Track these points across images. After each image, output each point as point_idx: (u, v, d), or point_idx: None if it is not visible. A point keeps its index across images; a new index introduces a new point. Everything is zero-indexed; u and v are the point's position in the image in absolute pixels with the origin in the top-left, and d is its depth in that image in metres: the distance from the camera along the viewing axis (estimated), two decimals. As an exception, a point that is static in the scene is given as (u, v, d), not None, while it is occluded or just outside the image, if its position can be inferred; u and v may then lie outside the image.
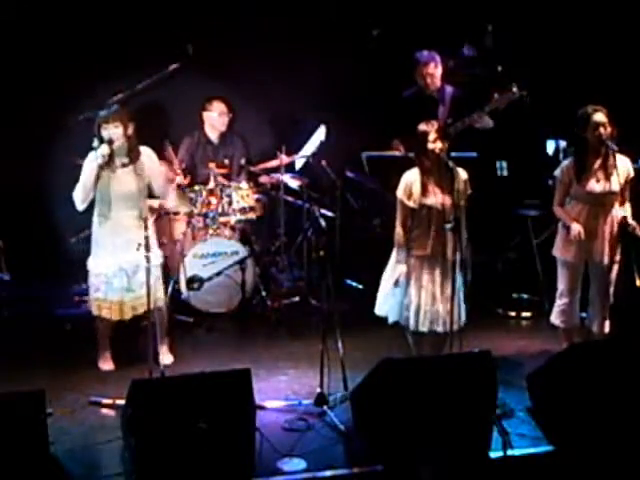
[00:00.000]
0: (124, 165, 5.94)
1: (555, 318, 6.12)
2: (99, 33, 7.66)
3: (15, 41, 7.58)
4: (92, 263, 6.05)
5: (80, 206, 5.94)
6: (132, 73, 7.29)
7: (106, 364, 6.21)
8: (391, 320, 5.79)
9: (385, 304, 5.79)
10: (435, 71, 7.42)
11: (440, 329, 5.66)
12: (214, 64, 7.86)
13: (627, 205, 5.86)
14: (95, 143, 5.88)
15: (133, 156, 5.94)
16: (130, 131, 5.91)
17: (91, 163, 5.87)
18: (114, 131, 5.85)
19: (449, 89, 7.44)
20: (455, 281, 5.53)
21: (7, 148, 7.57)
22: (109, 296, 5.99)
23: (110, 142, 5.83)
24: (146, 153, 6.03)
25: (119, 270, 5.96)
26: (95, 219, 6.03)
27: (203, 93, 7.76)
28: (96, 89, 7.23)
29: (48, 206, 7.77)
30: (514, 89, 6.81)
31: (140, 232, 5.71)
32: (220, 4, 7.87)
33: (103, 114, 5.92)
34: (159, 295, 6.06)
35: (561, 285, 6.04)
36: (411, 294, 5.67)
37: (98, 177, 5.87)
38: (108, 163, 5.88)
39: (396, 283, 5.69)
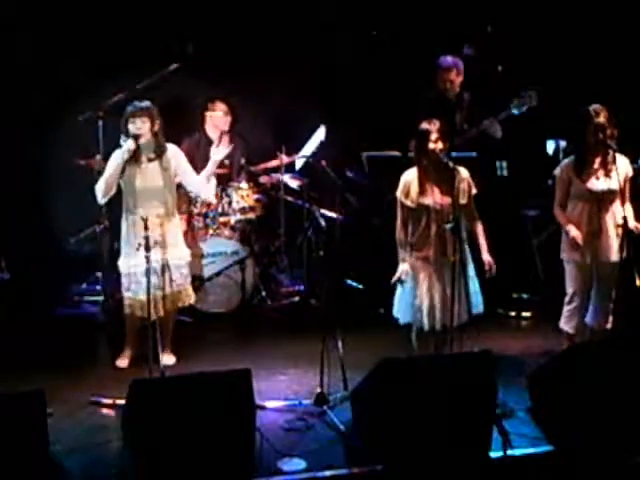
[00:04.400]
0: (150, 160, 5.95)
1: (565, 324, 6.01)
2: (99, 33, 7.67)
3: (15, 41, 7.58)
4: (122, 263, 6.02)
5: (101, 199, 5.93)
6: (132, 73, 7.29)
7: (123, 362, 6.19)
8: (402, 321, 5.76)
9: (398, 306, 5.78)
10: (456, 78, 7.42)
11: (454, 324, 5.59)
12: (214, 64, 7.86)
13: (627, 205, 5.85)
14: (122, 139, 5.90)
15: (160, 151, 5.95)
16: (157, 127, 5.92)
17: (117, 159, 5.87)
18: (141, 126, 5.85)
19: (467, 95, 7.45)
20: (456, 280, 5.51)
21: (7, 148, 7.57)
22: (139, 295, 5.94)
23: (136, 137, 5.83)
24: (172, 149, 6.04)
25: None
26: (123, 216, 6.02)
27: (203, 93, 7.77)
28: (96, 89, 7.23)
29: (48, 206, 7.78)
30: (533, 96, 6.87)
31: (168, 229, 5.76)
32: (220, 4, 7.87)
33: (131, 108, 5.92)
34: (190, 293, 6.11)
35: (571, 288, 5.95)
36: (421, 295, 5.64)
37: (123, 172, 5.86)
38: (135, 157, 5.89)
39: (400, 282, 5.69)
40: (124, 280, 6.01)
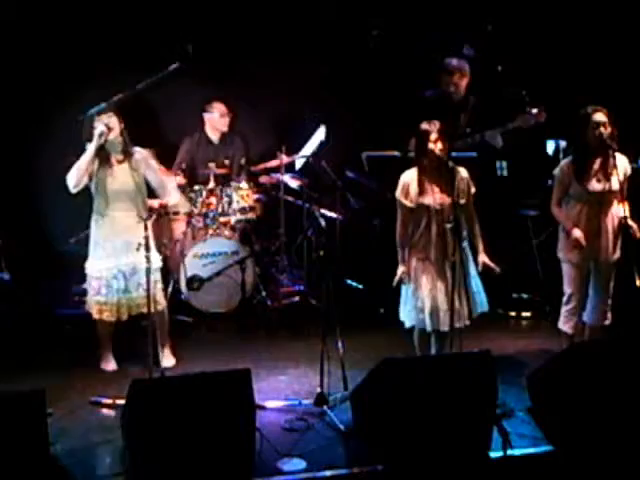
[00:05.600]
0: (119, 162, 5.95)
1: (563, 324, 6.00)
2: (99, 33, 7.66)
3: (14, 40, 7.57)
4: (90, 265, 6.03)
5: (72, 188, 5.89)
6: (132, 73, 7.29)
7: (109, 365, 6.21)
8: (408, 325, 5.73)
9: (403, 310, 5.77)
10: (460, 81, 7.40)
11: (458, 325, 5.58)
12: (214, 64, 7.86)
13: (625, 204, 5.84)
14: (87, 146, 5.90)
15: (127, 152, 5.96)
16: (122, 126, 5.93)
17: (89, 148, 5.85)
18: (109, 120, 5.87)
19: (472, 99, 7.44)
20: (457, 281, 5.51)
21: (7, 148, 7.56)
22: (109, 298, 5.97)
23: (108, 127, 5.84)
24: (140, 153, 6.04)
25: (117, 272, 5.95)
26: (93, 219, 6.02)
27: (203, 93, 7.76)
28: (96, 89, 7.22)
29: (48, 206, 7.77)
30: (541, 113, 6.88)
31: (138, 233, 5.69)
32: (220, 4, 7.87)
33: (94, 110, 5.93)
34: (158, 298, 6.03)
35: (568, 288, 5.94)
36: (423, 297, 5.62)
37: (91, 175, 5.86)
38: (105, 159, 5.88)
39: (402, 283, 5.67)
40: (94, 283, 6.01)
